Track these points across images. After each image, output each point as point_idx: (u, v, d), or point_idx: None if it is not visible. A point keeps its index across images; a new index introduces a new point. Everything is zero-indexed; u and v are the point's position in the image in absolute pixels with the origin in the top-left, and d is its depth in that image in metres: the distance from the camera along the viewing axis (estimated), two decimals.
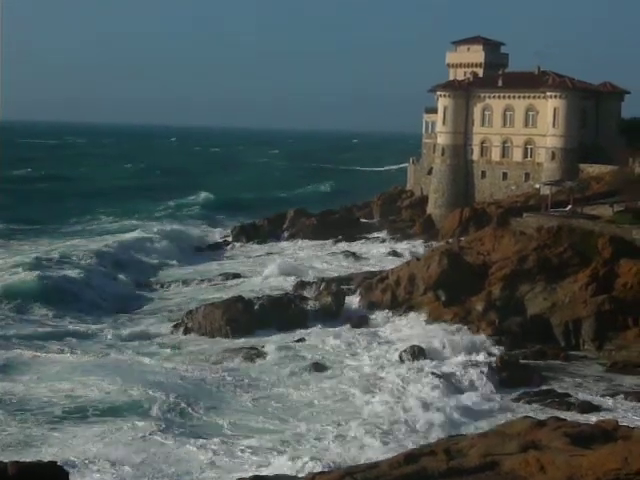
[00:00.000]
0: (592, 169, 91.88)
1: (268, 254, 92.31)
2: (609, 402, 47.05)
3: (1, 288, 68.22)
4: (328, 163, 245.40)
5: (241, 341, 58.30)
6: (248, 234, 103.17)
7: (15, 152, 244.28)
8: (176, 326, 61.45)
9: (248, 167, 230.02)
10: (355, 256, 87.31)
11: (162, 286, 77.76)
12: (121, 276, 79.38)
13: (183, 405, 44.69)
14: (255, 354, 54.59)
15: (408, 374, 49.91)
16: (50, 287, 70.28)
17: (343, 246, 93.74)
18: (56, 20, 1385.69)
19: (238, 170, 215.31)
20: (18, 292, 67.99)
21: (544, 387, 49.39)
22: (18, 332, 58.92)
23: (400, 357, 53.16)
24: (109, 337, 59.37)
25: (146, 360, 53.00)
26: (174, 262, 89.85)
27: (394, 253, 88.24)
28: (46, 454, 35.93)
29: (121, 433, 40.78)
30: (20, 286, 69.37)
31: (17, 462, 24.10)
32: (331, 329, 60.84)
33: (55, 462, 25.14)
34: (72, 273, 75.48)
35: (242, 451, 38.91)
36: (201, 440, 40.00)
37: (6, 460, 24.84)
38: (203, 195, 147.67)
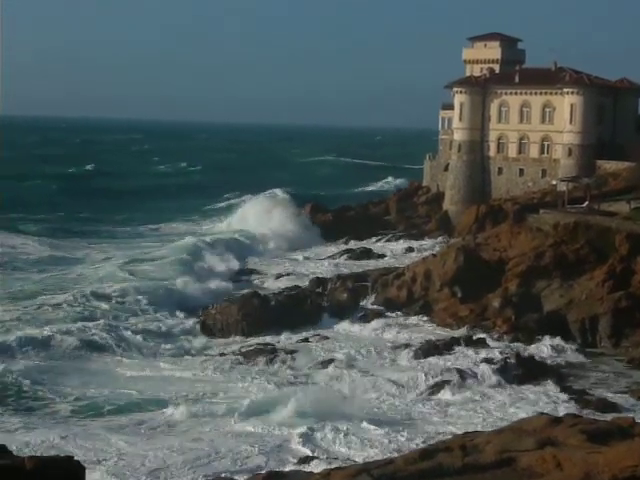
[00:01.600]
0: (609, 165, 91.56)
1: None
2: (626, 399, 46.88)
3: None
4: (377, 160, 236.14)
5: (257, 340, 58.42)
6: None
7: (53, 148, 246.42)
8: (196, 323, 61.85)
9: (297, 164, 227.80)
10: (371, 253, 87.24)
11: None
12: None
13: None
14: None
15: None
16: None
17: (358, 242, 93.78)
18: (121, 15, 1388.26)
19: (288, 167, 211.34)
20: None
21: (560, 384, 49.21)
22: None
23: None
24: None
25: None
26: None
27: (410, 249, 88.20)
28: None
29: None
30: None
31: (34, 457, 24.18)
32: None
33: (72, 457, 25.10)
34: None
35: None
36: None
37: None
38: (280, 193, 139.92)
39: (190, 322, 62.10)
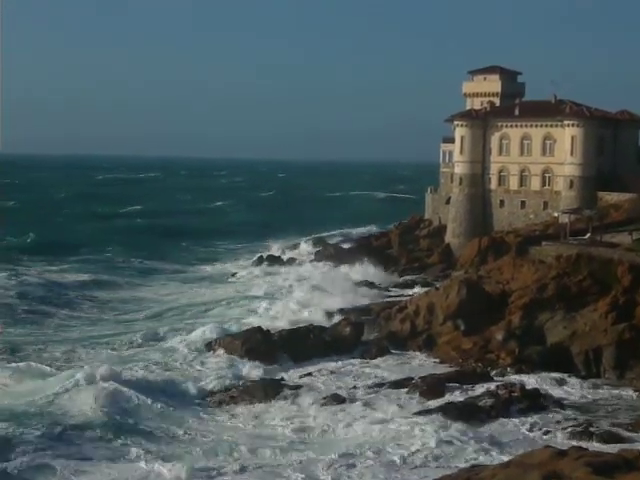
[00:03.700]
0: (610, 197, 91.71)
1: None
2: (631, 431, 46.60)
3: None
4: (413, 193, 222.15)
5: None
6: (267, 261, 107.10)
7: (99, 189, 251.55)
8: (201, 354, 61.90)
9: (345, 199, 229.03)
10: (373, 285, 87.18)
11: None
12: None
13: None
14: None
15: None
16: None
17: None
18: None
19: (339, 203, 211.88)
20: None
21: (565, 416, 48.99)
22: None
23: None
24: None
25: None
26: None
27: (412, 283, 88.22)
28: None
29: None
30: None
31: None
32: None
33: None
34: None
35: None
36: None
37: None
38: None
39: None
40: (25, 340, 67.49)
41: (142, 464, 40.86)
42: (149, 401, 50.36)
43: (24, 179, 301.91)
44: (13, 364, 57.85)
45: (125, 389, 51.39)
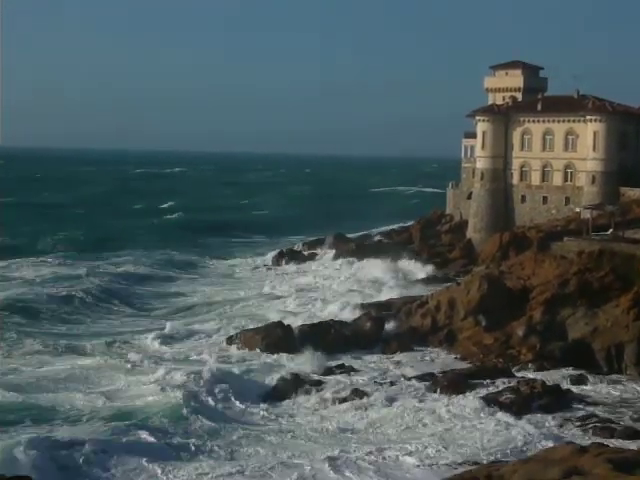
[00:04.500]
0: (633, 192, 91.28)
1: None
2: None
3: None
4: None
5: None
6: (288, 257, 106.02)
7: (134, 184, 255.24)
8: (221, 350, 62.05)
9: (384, 196, 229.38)
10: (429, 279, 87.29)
11: None
12: None
13: None
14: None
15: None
16: None
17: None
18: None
19: (383, 199, 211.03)
20: None
21: (586, 413, 48.89)
22: None
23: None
24: None
25: None
26: None
27: (434, 278, 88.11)
28: None
29: None
30: None
31: None
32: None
33: (29, 477, 25.79)
34: None
35: None
36: None
37: None
38: None
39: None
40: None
41: None
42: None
43: (60, 173, 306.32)
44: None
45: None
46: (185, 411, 47.91)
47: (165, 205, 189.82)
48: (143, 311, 79.52)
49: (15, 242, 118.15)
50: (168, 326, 68.60)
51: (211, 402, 50.35)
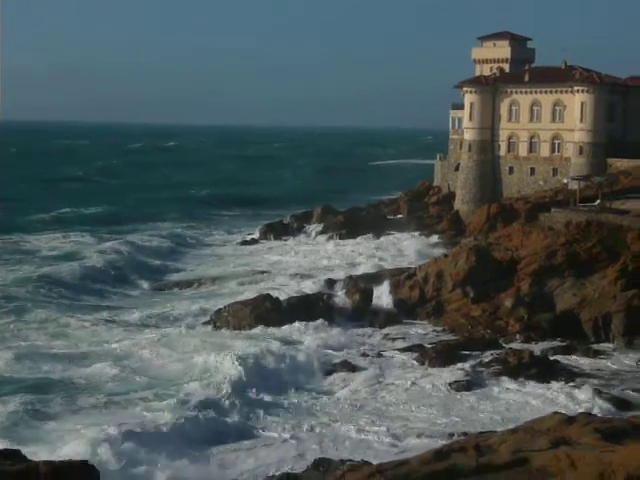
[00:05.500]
0: (620, 163, 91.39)
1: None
2: None
3: None
4: None
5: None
6: (275, 231, 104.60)
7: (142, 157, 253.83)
8: (204, 324, 61.62)
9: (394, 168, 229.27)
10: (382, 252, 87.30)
11: None
12: None
13: None
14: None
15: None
16: None
17: (371, 243, 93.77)
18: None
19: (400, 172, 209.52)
20: None
21: (574, 383, 49.07)
22: None
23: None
24: None
25: None
26: None
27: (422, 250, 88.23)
28: None
29: None
30: None
31: (49, 461, 24.19)
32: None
33: (86, 461, 25.06)
34: None
35: None
36: None
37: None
38: None
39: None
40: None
41: None
42: None
43: (61, 146, 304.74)
44: None
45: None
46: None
47: (179, 179, 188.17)
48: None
49: (41, 217, 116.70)
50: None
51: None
